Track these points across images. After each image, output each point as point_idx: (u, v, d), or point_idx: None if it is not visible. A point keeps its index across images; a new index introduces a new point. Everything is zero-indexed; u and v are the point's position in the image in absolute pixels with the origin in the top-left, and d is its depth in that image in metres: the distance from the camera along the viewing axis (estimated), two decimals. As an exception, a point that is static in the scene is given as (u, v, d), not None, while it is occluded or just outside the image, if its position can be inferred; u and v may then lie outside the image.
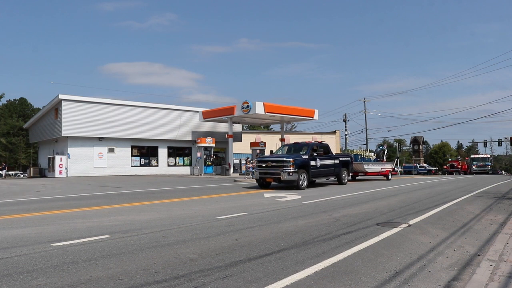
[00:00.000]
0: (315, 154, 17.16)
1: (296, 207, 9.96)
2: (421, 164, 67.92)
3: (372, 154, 26.57)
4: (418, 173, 56.62)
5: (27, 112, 69.49)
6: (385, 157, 27.20)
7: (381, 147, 28.47)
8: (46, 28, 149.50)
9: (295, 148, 18.00)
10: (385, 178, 25.12)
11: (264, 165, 16.45)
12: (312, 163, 16.71)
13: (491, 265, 5.04)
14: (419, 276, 4.53)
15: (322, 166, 17.36)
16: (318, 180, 18.60)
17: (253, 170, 19.63)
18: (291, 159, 15.69)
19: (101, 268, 4.41)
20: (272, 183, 16.73)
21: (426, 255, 5.53)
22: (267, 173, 16.23)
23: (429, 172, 59.67)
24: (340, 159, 19.20)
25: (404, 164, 64.61)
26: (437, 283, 4.37)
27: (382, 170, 24.95)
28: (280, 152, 18.32)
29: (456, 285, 4.36)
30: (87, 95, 43.81)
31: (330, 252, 5.26)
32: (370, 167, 24.02)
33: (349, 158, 20.14)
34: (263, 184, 16.70)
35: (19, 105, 71.43)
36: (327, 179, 19.10)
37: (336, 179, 19.11)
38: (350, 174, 22.04)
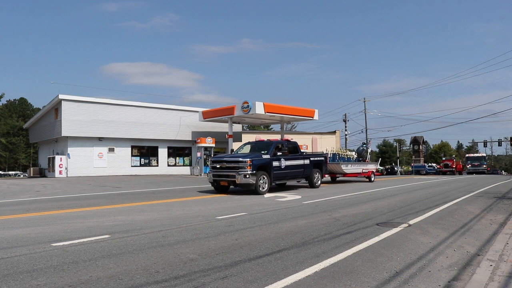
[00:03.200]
0: (279, 153, 14.98)
1: (296, 207, 9.97)
2: (429, 164, 68.04)
3: (353, 153, 24.29)
4: (427, 173, 56.54)
5: (27, 112, 69.63)
6: (368, 156, 24.72)
7: (364, 145, 26.71)
8: (46, 28, 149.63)
9: (259, 146, 15.76)
10: (368, 180, 22.91)
11: (218, 166, 14.20)
12: (275, 163, 14.55)
13: (491, 265, 5.04)
14: (419, 276, 4.53)
15: (288, 167, 15.19)
16: (288, 183, 17.20)
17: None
18: (248, 159, 13.59)
19: (101, 268, 4.41)
20: (231, 187, 14.63)
21: (426, 255, 5.52)
22: (221, 175, 14.10)
23: (438, 172, 59.69)
24: (311, 159, 17.06)
25: (413, 164, 64.67)
26: (437, 283, 4.37)
27: (364, 171, 22.50)
28: (242, 151, 16.10)
29: (456, 285, 4.36)
30: (88, 95, 43.97)
31: (330, 252, 5.26)
32: (349, 168, 21.51)
33: (322, 158, 18.00)
34: (218, 187, 14.57)
35: (19, 105, 71.60)
36: (298, 182, 17.20)
37: (307, 181, 17.08)
38: (327, 175, 20.58)
